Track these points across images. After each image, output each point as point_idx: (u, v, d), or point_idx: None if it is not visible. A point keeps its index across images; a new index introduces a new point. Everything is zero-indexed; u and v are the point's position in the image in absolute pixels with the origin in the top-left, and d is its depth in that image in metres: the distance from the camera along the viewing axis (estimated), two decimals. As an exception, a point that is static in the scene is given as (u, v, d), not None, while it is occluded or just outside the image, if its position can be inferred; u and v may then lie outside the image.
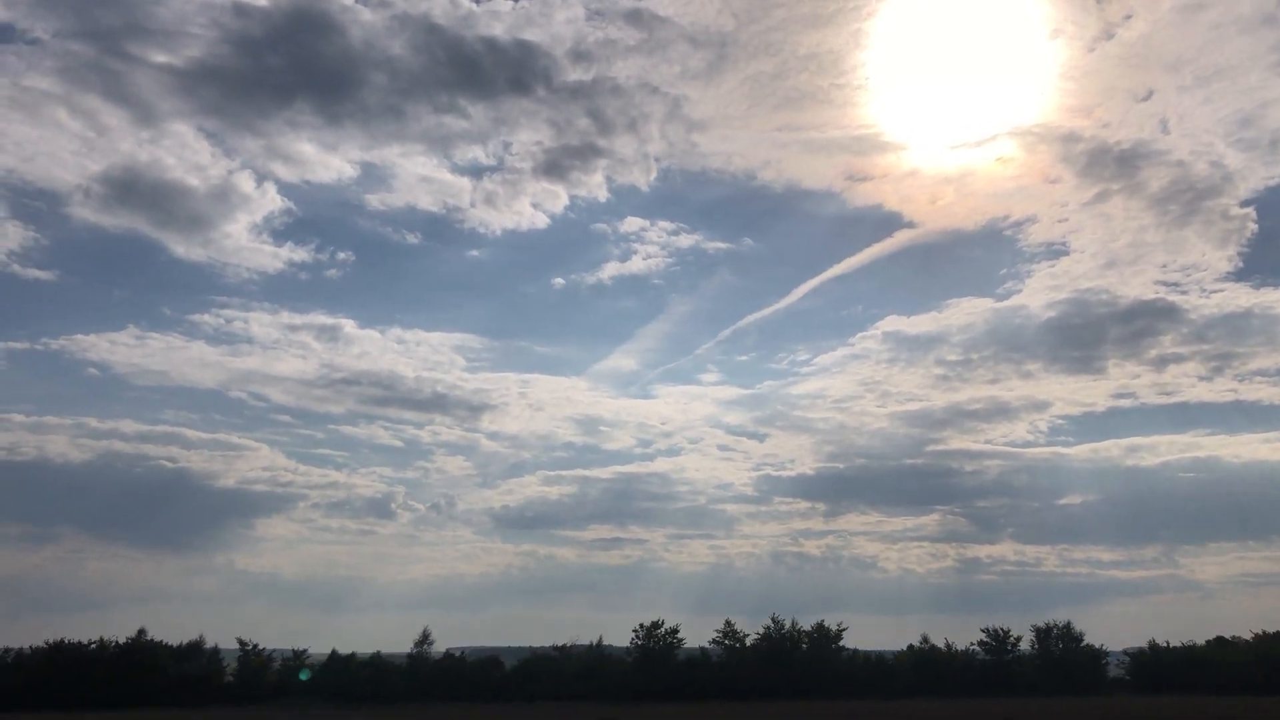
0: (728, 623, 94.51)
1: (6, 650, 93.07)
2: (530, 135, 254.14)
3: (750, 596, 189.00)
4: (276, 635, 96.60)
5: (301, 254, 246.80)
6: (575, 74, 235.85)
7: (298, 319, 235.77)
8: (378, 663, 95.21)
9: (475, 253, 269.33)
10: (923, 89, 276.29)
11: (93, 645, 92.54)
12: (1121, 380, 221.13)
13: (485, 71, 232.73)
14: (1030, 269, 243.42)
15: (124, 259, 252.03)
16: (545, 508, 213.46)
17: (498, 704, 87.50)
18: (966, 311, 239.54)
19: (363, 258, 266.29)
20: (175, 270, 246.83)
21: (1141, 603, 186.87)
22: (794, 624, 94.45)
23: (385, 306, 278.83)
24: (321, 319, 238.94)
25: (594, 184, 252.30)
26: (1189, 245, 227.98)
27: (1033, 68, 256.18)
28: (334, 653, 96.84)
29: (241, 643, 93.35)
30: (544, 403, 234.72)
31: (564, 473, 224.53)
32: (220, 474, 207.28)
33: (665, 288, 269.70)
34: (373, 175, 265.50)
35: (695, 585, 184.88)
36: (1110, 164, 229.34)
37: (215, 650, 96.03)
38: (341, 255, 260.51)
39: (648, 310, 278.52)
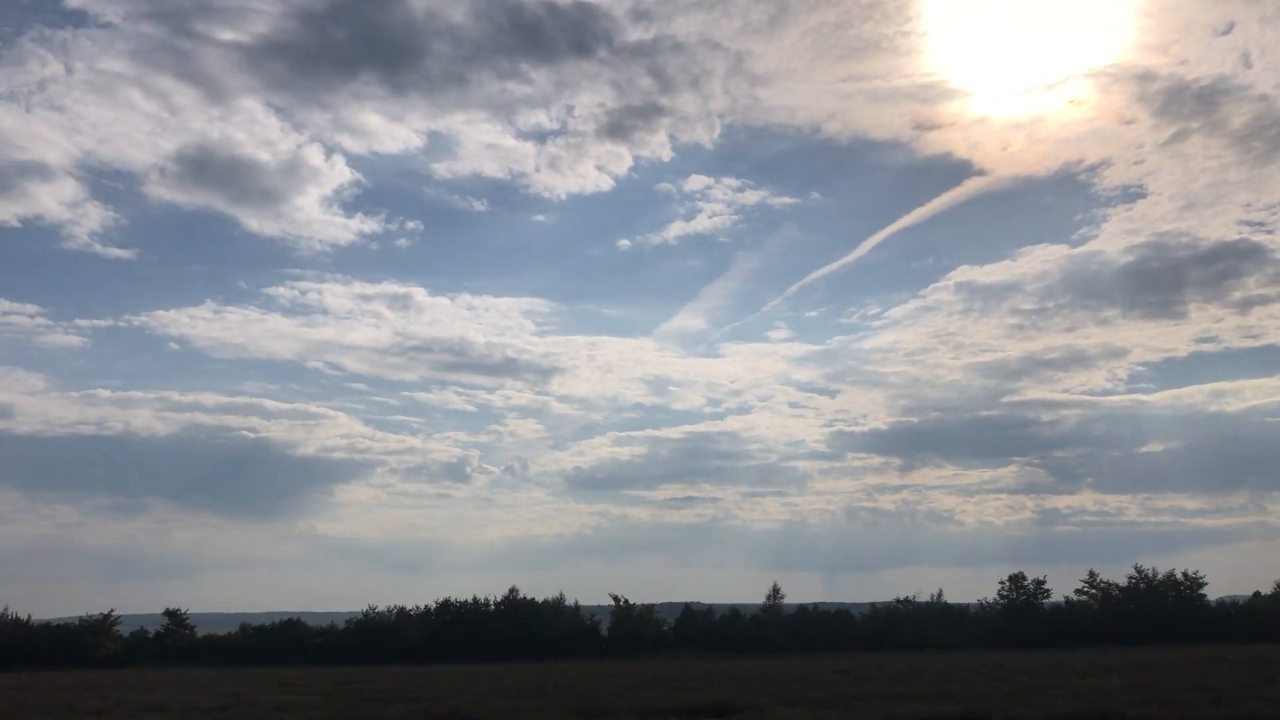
0: (1091, 573, 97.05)
1: (393, 608, 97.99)
2: (592, 97, 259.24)
3: (825, 552, 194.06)
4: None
5: (371, 224, 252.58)
6: (636, 33, 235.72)
7: (370, 289, 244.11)
8: (734, 614, 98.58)
9: (541, 217, 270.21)
10: (990, 33, 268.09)
11: (472, 603, 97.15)
12: (1203, 324, 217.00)
13: (546, 35, 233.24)
14: (1106, 213, 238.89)
15: (200, 235, 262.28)
16: (617, 468, 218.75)
17: (890, 652, 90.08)
18: (1041, 259, 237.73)
19: (431, 226, 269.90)
20: (250, 245, 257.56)
21: (1229, 551, 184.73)
22: (1154, 572, 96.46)
23: (454, 274, 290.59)
24: (393, 288, 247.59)
25: (657, 144, 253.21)
26: (1274, 183, 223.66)
27: (1105, 6, 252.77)
28: (687, 607, 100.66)
29: (615, 598, 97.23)
30: (612, 364, 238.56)
31: (634, 433, 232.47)
32: (300, 443, 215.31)
33: (731, 245, 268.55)
34: (438, 144, 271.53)
35: (769, 542, 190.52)
36: (1188, 102, 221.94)
37: (576, 606, 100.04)
38: (410, 224, 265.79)
39: (714, 269, 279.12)
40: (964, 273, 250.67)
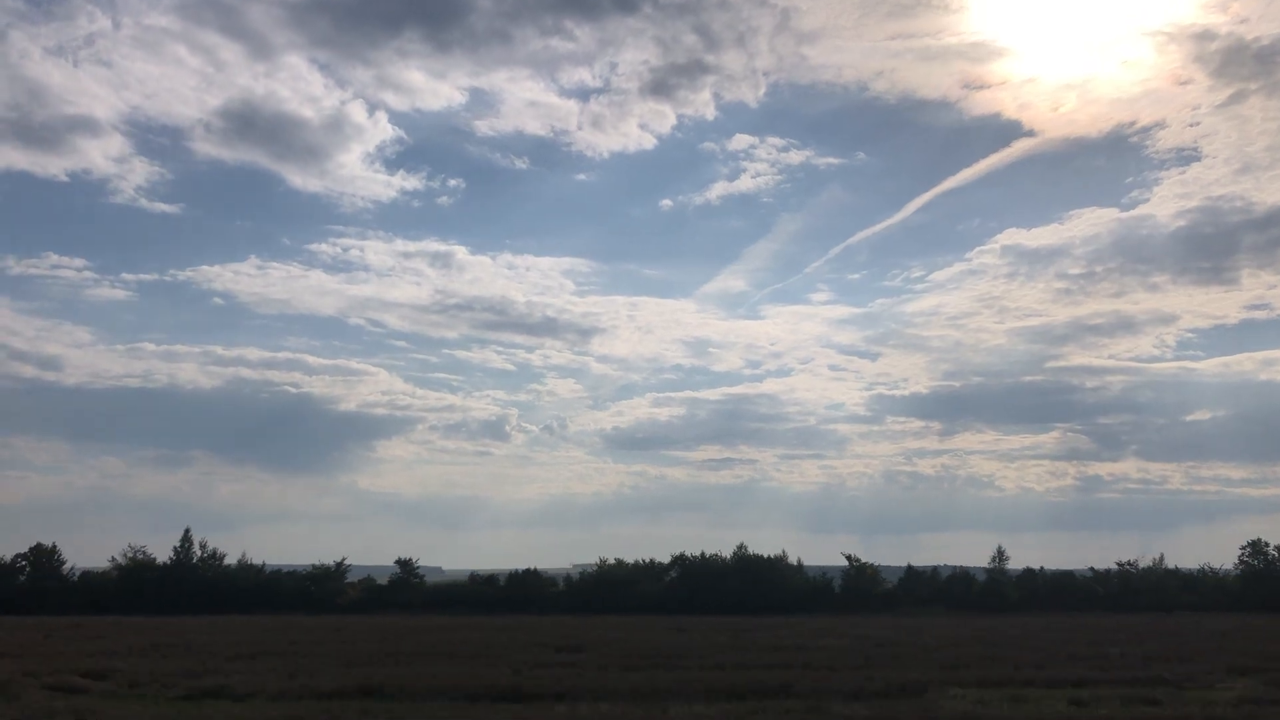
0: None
1: (627, 561, 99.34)
2: (636, 55, 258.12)
3: (863, 515, 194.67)
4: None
5: (413, 182, 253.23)
6: None
7: (411, 246, 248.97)
8: (965, 574, 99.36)
9: (583, 176, 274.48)
10: None
11: (706, 557, 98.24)
12: (1256, 291, 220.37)
13: None
14: (1158, 176, 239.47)
15: (244, 191, 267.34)
16: (655, 429, 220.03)
17: (1140, 613, 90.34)
18: (1090, 222, 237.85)
19: (473, 184, 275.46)
20: (293, 201, 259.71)
21: (1274, 520, 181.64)
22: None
23: (495, 232, 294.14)
24: (434, 246, 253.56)
25: (701, 102, 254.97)
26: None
27: None
28: (909, 567, 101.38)
29: (848, 558, 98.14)
30: (652, 325, 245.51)
31: (673, 394, 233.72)
32: (341, 398, 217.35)
33: (774, 206, 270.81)
34: (481, 101, 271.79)
35: (807, 504, 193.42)
36: (1248, 62, 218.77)
37: (799, 562, 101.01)
38: (452, 182, 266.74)
39: (756, 229, 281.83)
40: (1010, 235, 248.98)
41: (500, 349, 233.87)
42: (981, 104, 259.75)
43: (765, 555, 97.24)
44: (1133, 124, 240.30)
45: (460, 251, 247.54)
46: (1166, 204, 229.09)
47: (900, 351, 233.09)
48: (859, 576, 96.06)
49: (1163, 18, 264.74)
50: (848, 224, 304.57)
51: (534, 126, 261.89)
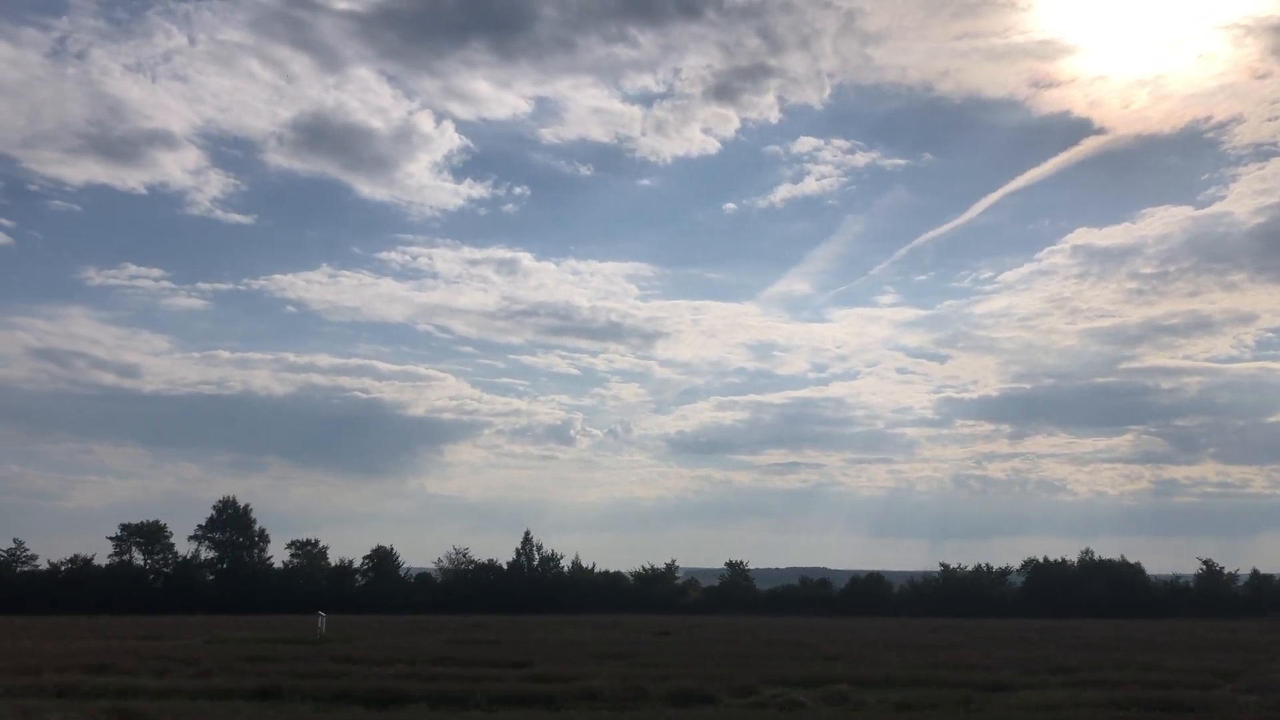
0: None
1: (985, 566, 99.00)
2: (699, 59, 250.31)
3: (932, 520, 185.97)
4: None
5: (480, 190, 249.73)
6: None
7: (478, 253, 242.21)
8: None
9: (647, 181, 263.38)
10: None
11: (1059, 562, 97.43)
12: None
13: None
14: (1235, 173, 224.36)
15: (316, 201, 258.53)
16: (719, 433, 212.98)
17: None
18: (1163, 221, 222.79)
19: (538, 191, 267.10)
20: (363, 210, 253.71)
21: None
22: None
23: (560, 238, 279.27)
24: (500, 252, 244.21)
25: (765, 105, 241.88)
26: None
27: None
28: (1255, 572, 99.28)
29: (1205, 563, 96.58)
30: (716, 329, 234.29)
31: (737, 398, 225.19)
32: (410, 403, 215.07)
33: (839, 208, 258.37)
34: (545, 109, 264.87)
35: (875, 509, 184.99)
36: None
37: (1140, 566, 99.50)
38: (518, 190, 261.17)
39: (820, 232, 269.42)
40: (1081, 235, 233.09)
41: (565, 354, 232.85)
42: (1050, 102, 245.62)
43: (1113, 559, 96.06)
44: (1208, 119, 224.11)
45: (526, 258, 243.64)
46: (1244, 200, 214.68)
47: (969, 354, 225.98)
48: (1214, 581, 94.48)
49: (1239, 10, 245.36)
50: (914, 225, 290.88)
51: (598, 133, 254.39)
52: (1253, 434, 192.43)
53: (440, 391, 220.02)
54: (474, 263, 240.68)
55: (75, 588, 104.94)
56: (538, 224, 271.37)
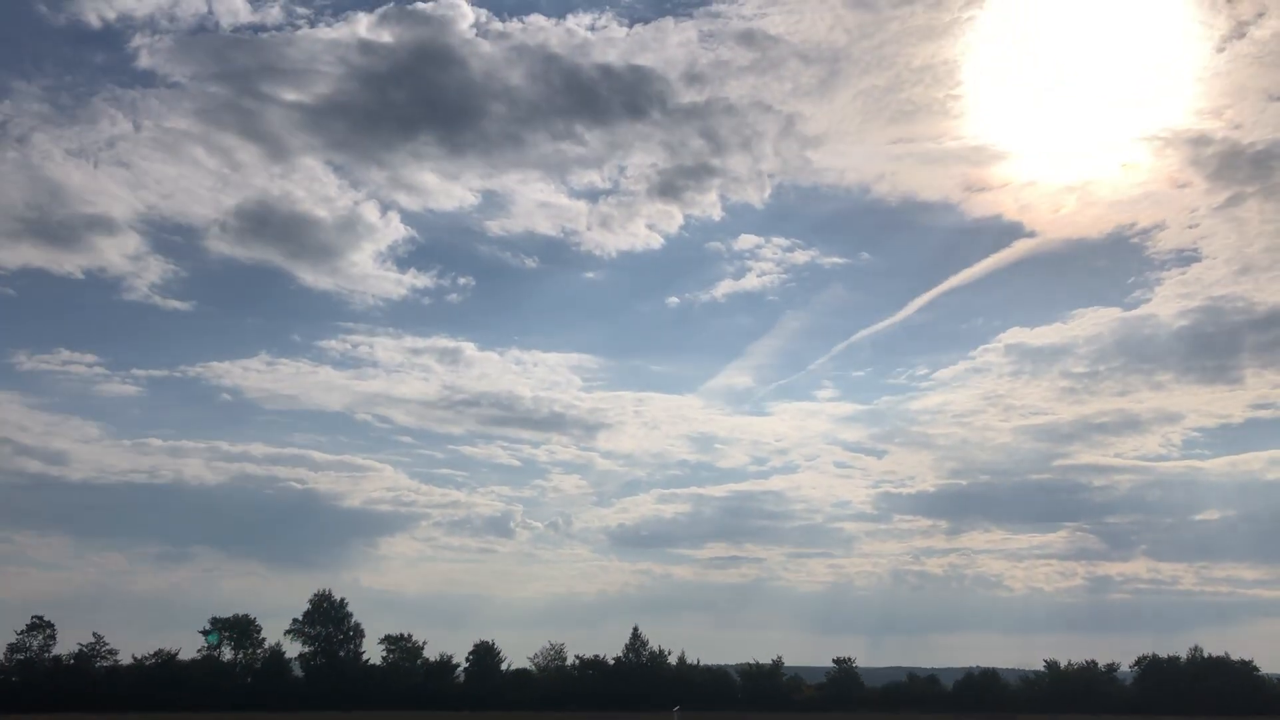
0: None
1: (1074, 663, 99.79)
2: (645, 158, 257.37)
3: (871, 616, 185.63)
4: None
5: (424, 280, 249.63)
6: (689, 96, 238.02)
7: (420, 342, 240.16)
8: None
9: (591, 274, 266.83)
10: (1042, 97, 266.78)
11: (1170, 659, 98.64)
12: (1260, 390, 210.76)
13: (601, 98, 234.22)
14: (1160, 277, 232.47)
15: (257, 289, 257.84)
16: (661, 526, 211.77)
17: None
18: (1093, 322, 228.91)
19: (483, 282, 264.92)
20: (305, 298, 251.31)
21: None
22: None
23: (504, 329, 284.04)
24: (443, 342, 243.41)
25: (708, 203, 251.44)
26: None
27: (1158, 71, 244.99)
28: None
29: None
30: (658, 421, 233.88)
31: (679, 490, 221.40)
32: (346, 494, 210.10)
33: (779, 304, 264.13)
34: (493, 202, 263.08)
35: (815, 604, 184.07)
36: (1244, 166, 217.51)
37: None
38: (462, 280, 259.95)
39: (761, 326, 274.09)
40: (1014, 334, 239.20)
41: (506, 444, 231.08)
42: (983, 205, 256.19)
43: (1224, 656, 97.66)
44: (1133, 225, 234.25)
45: (469, 348, 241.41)
46: (1169, 303, 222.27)
47: (906, 449, 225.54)
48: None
49: (1159, 123, 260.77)
50: (851, 322, 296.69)
51: (544, 226, 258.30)
52: (1182, 531, 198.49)
53: (377, 482, 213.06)
54: (416, 352, 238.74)
55: (162, 683, 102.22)
56: (482, 314, 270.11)
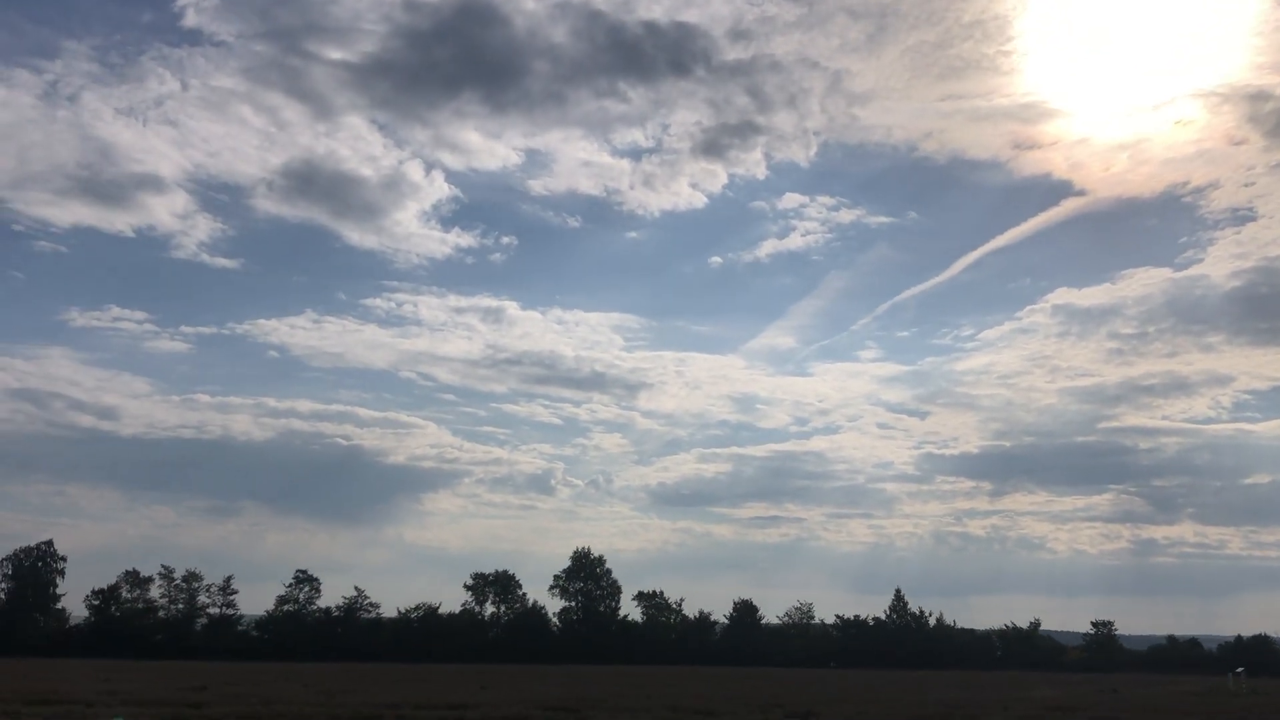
0: None
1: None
2: (689, 115, 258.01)
3: (911, 576, 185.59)
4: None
5: (468, 239, 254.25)
6: (734, 53, 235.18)
7: (464, 301, 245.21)
8: None
9: (634, 234, 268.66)
10: (1094, 53, 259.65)
11: None
12: None
13: (645, 55, 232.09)
14: (1212, 236, 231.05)
15: (303, 247, 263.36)
16: (701, 485, 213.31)
17: None
18: (1142, 282, 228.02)
19: (525, 241, 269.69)
20: (350, 257, 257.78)
21: None
22: None
23: (547, 288, 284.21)
24: (486, 301, 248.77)
25: (752, 162, 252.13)
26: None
27: (1215, 26, 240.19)
28: None
29: None
30: (700, 381, 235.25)
31: (719, 450, 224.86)
32: (391, 451, 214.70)
33: (824, 264, 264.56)
34: (535, 161, 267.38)
35: (855, 564, 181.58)
36: None
37: None
38: (505, 239, 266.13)
39: (804, 286, 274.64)
40: (1062, 295, 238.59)
41: (547, 403, 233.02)
42: (1032, 164, 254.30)
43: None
44: (1186, 184, 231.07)
45: (512, 307, 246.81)
46: (1221, 264, 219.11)
47: (950, 410, 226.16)
48: None
49: (1216, 79, 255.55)
50: (896, 282, 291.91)
51: (587, 186, 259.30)
52: (1230, 495, 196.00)
53: (421, 439, 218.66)
54: (459, 311, 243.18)
55: (424, 635, 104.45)
56: (524, 273, 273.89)
